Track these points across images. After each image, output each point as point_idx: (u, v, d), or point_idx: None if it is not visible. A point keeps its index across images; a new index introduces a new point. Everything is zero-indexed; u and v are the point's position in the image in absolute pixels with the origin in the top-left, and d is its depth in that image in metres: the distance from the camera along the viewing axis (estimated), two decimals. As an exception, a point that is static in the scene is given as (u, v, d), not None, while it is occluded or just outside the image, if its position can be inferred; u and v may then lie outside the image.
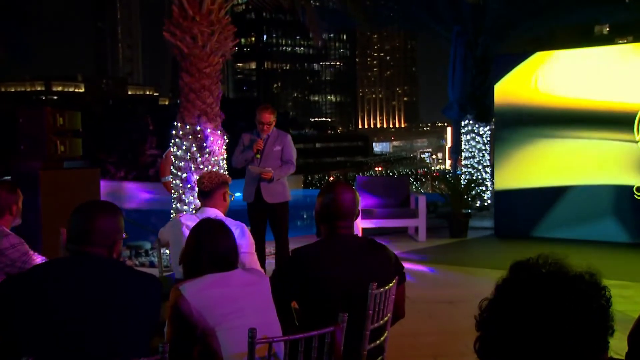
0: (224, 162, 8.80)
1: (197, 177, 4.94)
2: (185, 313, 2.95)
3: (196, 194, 6.88)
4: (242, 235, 4.54)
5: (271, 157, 7.73)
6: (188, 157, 8.60)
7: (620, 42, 22.69)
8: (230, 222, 4.30)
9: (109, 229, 2.88)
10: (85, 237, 2.83)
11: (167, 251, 7.75)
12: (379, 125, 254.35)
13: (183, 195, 8.63)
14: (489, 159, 15.94)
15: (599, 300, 1.44)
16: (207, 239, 3.17)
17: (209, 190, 4.78)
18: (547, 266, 1.48)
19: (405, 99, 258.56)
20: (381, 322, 3.60)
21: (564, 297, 1.42)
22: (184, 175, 8.61)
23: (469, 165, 16.12)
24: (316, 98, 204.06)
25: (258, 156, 7.68)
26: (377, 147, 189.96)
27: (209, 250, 3.15)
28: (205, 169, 8.52)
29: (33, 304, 2.66)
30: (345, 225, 3.61)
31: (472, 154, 16.05)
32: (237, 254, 3.22)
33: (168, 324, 3.06)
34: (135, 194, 19.92)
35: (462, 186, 12.62)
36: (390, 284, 3.60)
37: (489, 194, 15.72)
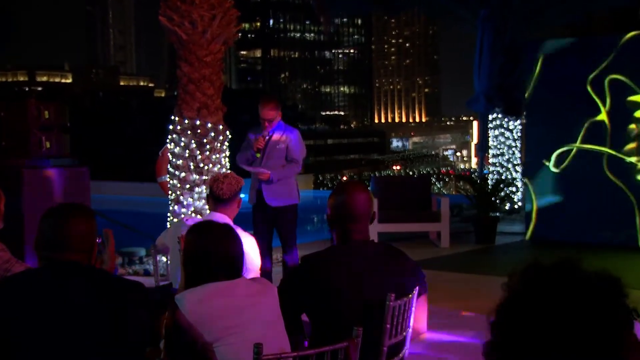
0: (226, 160, 8.81)
1: (211, 180, 4.95)
2: (183, 326, 2.95)
3: (205, 198, 6.83)
4: (250, 249, 4.53)
5: (274, 155, 7.64)
6: (187, 155, 8.61)
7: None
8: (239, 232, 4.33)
9: (85, 232, 2.89)
10: (61, 243, 2.84)
11: (164, 258, 7.77)
12: (397, 120, 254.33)
13: (181, 197, 8.65)
14: (519, 157, 15.90)
15: (611, 307, 1.44)
16: (210, 242, 3.17)
17: (227, 198, 4.81)
18: (555, 269, 1.51)
19: (426, 90, 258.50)
20: (400, 337, 3.60)
21: (570, 302, 1.44)
22: (182, 174, 8.63)
23: (497, 164, 16.08)
24: (328, 89, 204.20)
25: (258, 155, 7.61)
26: (395, 144, 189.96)
27: (212, 254, 3.14)
28: (206, 167, 8.53)
29: (9, 316, 2.67)
30: (358, 229, 3.60)
31: (501, 151, 16.01)
32: (242, 261, 3.22)
33: (164, 338, 3.06)
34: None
35: (490, 187, 12.59)
36: (410, 295, 3.60)
37: (520, 196, 15.68)
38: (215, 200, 4.86)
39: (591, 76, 11.12)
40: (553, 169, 11.56)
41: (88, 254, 2.89)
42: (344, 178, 33.50)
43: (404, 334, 3.64)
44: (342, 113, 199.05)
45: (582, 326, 1.41)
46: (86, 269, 2.85)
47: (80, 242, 2.86)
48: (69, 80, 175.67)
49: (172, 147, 8.77)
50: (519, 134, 15.90)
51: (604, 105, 11.04)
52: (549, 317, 1.43)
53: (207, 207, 6.50)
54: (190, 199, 8.60)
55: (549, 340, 1.42)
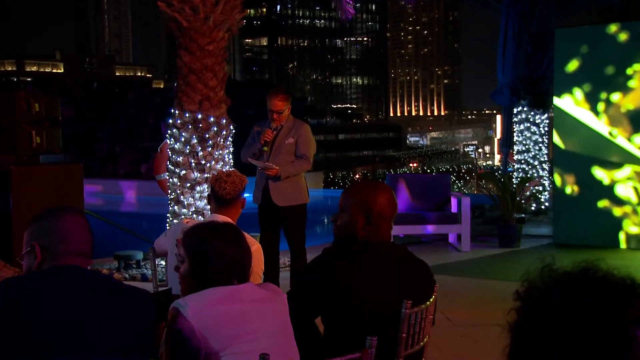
0: (230, 157, 8.82)
1: (212, 179, 4.94)
2: (186, 335, 2.94)
3: (206, 198, 6.80)
4: (254, 252, 4.54)
5: (282, 150, 7.63)
6: (187, 151, 8.63)
7: None
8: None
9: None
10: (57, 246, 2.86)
11: (163, 262, 7.80)
12: (414, 113, 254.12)
13: (181, 196, 8.67)
14: (546, 154, 15.86)
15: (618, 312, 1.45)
16: (215, 243, 3.16)
17: (231, 198, 4.80)
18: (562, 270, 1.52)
19: (445, 81, 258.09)
20: (417, 347, 3.60)
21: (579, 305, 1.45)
22: (183, 172, 8.64)
23: (522, 161, 16.06)
24: (339, 81, 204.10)
25: (265, 149, 7.59)
26: (412, 139, 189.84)
27: (217, 255, 3.13)
28: (208, 164, 8.55)
29: (14, 319, 2.68)
30: (386, 229, 3.64)
31: (527, 147, 15.99)
32: (250, 264, 3.22)
33: (164, 348, 3.06)
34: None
35: (515, 186, 12.57)
36: (428, 302, 3.60)
37: (547, 195, 15.65)
38: (218, 201, 4.84)
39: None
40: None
41: (85, 257, 2.91)
42: (357, 176, 33.52)
43: (421, 344, 3.64)
44: (354, 106, 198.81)
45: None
46: (86, 273, 2.86)
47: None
48: (61, 70, 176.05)
49: (171, 142, 8.79)
50: (546, 129, 15.85)
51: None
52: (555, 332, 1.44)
53: (208, 207, 6.52)
54: (191, 199, 8.62)
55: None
